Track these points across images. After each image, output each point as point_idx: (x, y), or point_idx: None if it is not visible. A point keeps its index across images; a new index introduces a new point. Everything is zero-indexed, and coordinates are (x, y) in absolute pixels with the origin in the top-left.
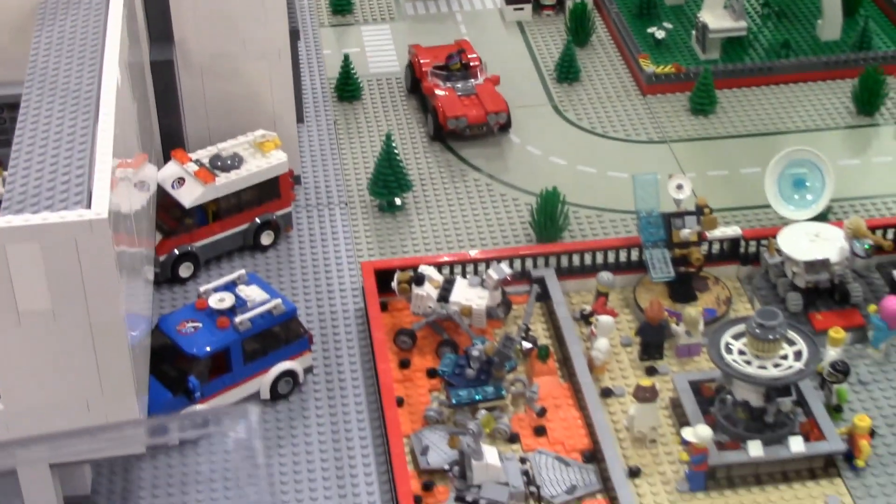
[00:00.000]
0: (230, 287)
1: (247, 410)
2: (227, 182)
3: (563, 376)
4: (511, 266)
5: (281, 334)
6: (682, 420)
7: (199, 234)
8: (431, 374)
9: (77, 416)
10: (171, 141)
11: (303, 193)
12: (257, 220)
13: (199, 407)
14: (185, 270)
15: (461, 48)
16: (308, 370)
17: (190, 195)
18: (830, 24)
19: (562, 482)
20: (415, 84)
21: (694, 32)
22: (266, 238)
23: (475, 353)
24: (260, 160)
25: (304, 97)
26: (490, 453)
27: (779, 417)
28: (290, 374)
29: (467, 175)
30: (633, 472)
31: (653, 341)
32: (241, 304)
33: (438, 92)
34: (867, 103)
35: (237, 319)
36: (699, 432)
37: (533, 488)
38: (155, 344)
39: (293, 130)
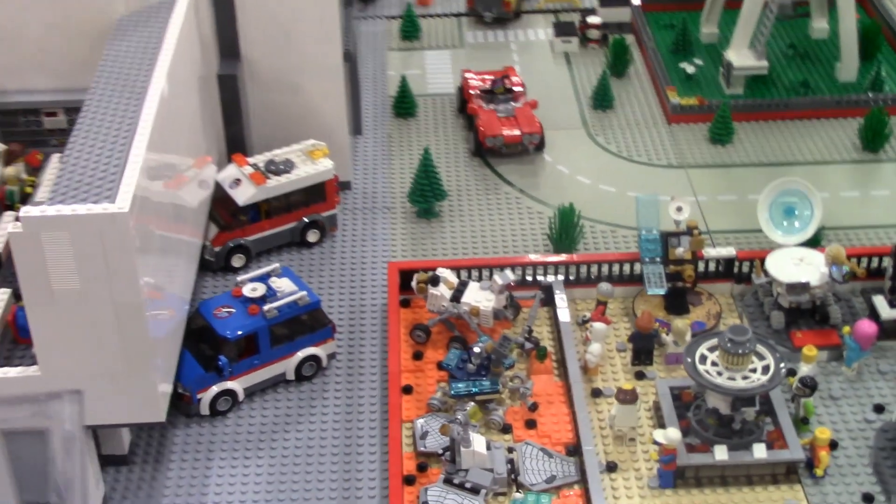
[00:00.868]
0: (264, 278)
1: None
2: (277, 184)
3: (559, 375)
4: (517, 273)
5: (307, 323)
6: (661, 422)
7: (251, 230)
8: (441, 366)
9: (102, 382)
10: (235, 146)
11: (351, 198)
12: (304, 220)
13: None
14: (237, 261)
15: (506, 74)
16: (331, 356)
17: (244, 194)
18: (847, 67)
19: (543, 472)
20: (463, 104)
21: (721, 69)
22: (312, 236)
23: (477, 349)
24: (308, 166)
25: (364, 112)
26: (478, 442)
27: (746, 425)
28: (314, 358)
29: (500, 188)
30: (611, 467)
31: (643, 348)
32: (271, 294)
33: (481, 113)
34: (872, 141)
35: (265, 308)
36: (669, 435)
37: (514, 476)
38: (195, 325)
39: (345, 141)
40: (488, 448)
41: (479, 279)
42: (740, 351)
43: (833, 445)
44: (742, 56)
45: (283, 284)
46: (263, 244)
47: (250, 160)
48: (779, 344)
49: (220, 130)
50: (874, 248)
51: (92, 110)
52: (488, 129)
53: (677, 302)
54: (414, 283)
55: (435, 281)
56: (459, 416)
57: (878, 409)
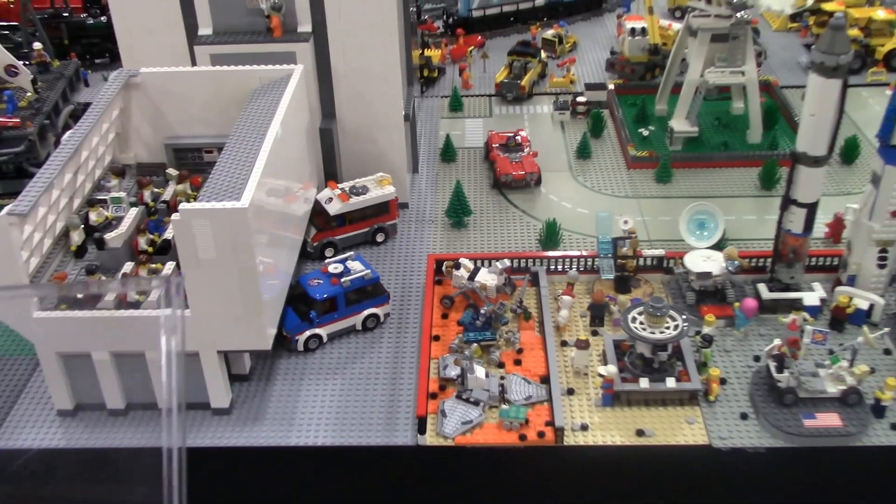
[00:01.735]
0: (343, 261)
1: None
2: (356, 202)
3: (539, 331)
4: (514, 263)
5: (370, 291)
6: (605, 362)
7: (338, 232)
8: (459, 323)
9: (230, 322)
10: (330, 175)
11: (407, 213)
12: (375, 226)
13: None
14: (328, 253)
15: (517, 133)
16: (387, 315)
17: (334, 208)
18: (755, 133)
19: (524, 393)
20: (487, 153)
21: (667, 132)
22: (379, 237)
23: (482, 312)
24: (378, 191)
25: (421, 157)
26: (479, 371)
27: (662, 365)
28: (374, 316)
29: (508, 209)
30: (570, 392)
31: (597, 314)
32: (346, 272)
33: (498, 158)
34: (767, 182)
35: (342, 280)
36: (609, 369)
37: (504, 395)
38: (296, 291)
39: (405, 176)
40: (487, 376)
41: (488, 266)
42: (658, 314)
43: (722, 381)
44: (681, 123)
45: (354, 265)
46: (347, 242)
47: (339, 185)
48: (691, 315)
49: (320, 165)
50: (760, 252)
51: (231, 148)
52: (503, 169)
53: (623, 285)
54: (444, 268)
55: (458, 266)
56: (467, 353)
57: (756, 359)
